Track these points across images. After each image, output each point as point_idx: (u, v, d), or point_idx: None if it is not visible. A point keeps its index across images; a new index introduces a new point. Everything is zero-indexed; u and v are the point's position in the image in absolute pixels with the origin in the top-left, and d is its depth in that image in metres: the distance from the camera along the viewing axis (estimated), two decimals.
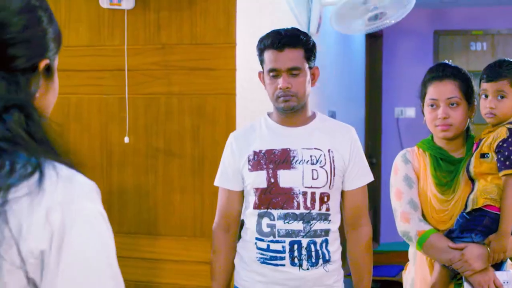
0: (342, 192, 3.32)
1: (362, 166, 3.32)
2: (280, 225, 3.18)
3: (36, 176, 1.33)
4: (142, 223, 4.30)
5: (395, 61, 9.33)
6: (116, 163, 4.34)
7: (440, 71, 3.31)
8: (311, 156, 3.21)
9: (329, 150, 3.23)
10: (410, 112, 9.07)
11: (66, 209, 1.33)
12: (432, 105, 3.29)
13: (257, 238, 3.25)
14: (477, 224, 3.13)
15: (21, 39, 1.43)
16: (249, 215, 3.30)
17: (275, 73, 3.19)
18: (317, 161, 3.21)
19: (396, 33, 9.07)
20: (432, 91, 3.29)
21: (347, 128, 3.35)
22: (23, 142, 1.36)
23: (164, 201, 4.26)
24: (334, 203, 3.25)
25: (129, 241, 4.30)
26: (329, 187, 3.20)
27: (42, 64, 1.48)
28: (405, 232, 3.28)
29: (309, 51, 3.22)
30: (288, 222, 3.18)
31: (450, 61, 3.43)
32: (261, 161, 3.23)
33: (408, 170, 3.36)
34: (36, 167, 1.34)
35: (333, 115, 6.47)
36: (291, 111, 3.22)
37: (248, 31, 4.25)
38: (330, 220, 3.22)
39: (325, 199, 3.20)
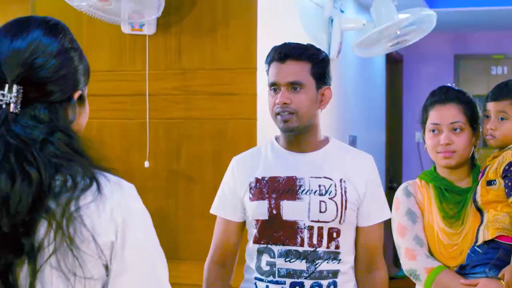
0: (356, 229, 2.93)
1: (380, 200, 2.95)
2: (280, 263, 2.80)
3: (94, 185, 1.66)
4: (163, 247, 4.25)
5: (415, 85, 9.32)
6: (137, 188, 4.31)
7: (443, 94, 3.10)
8: (319, 186, 2.82)
9: (341, 180, 2.84)
10: None
11: (124, 208, 1.70)
12: (433, 130, 3.07)
13: (256, 278, 2.88)
14: (491, 257, 2.87)
15: (57, 77, 1.71)
16: (249, 250, 2.94)
17: (275, 87, 2.86)
18: (326, 192, 2.81)
19: (417, 58, 9.07)
20: (434, 115, 3.08)
21: (364, 156, 2.99)
22: (73, 157, 1.68)
23: (185, 225, 4.26)
24: (346, 241, 2.86)
25: None
26: (340, 221, 2.81)
27: (76, 95, 1.77)
28: (412, 270, 3.00)
29: (318, 66, 2.85)
30: (289, 261, 2.79)
31: (454, 84, 3.27)
32: (263, 190, 2.85)
33: (411, 204, 3.09)
34: (92, 178, 1.66)
35: (354, 140, 6.46)
36: (293, 133, 2.85)
37: None
38: (340, 260, 2.83)
39: (335, 235, 2.81)
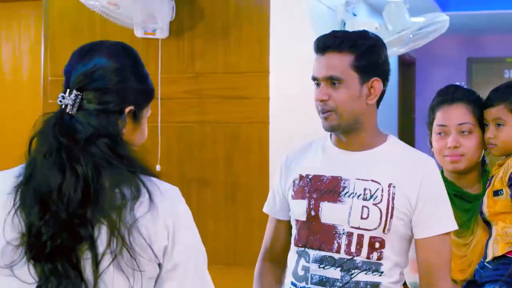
0: (415, 242, 2.58)
1: (440, 209, 2.55)
2: (314, 269, 2.55)
3: (146, 194, 1.87)
4: None
5: (428, 88, 9.29)
6: None
7: (450, 94, 2.86)
8: (364, 190, 2.53)
9: (389, 185, 2.52)
10: None
11: (174, 215, 1.93)
12: (440, 133, 2.85)
13: (291, 283, 2.65)
14: (501, 273, 2.63)
15: (112, 90, 1.94)
16: (291, 253, 2.70)
17: (316, 81, 2.58)
18: (370, 197, 2.52)
19: (429, 61, 9.06)
20: (441, 116, 2.85)
21: (422, 159, 2.60)
22: (115, 161, 1.88)
23: (198, 229, 4.25)
24: (392, 253, 2.53)
25: None
26: (384, 230, 2.50)
27: (127, 109, 1.96)
28: (416, 284, 2.73)
29: (363, 58, 2.53)
30: (323, 267, 2.54)
31: (463, 83, 3.03)
32: (305, 188, 2.61)
33: None
34: (139, 186, 1.87)
35: None
36: (336, 131, 2.59)
37: (281, 59, 4.26)
38: (382, 273, 2.52)
39: (377, 245, 2.51)
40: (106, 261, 1.81)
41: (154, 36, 4.20)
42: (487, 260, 2.69)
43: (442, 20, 5.06)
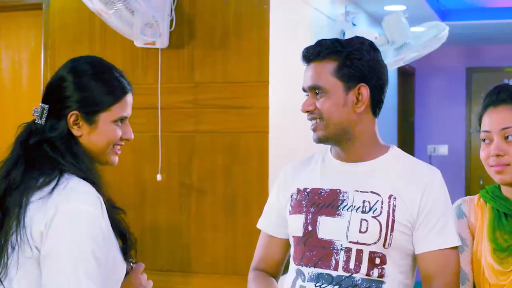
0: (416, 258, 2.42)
1: (440, 223, 2.37)
2: None
3: (51, 185, 2.07)
4: (175, 260, 4.30)
5: (427, 98, 9.31)
6: (149, 201, 4.35)
7: (495, 95, 2.47)
8: (363, 202, 2.38)
9: (390, 197, 2.37)
10: (443, 149, 9.02)
11: (59, 207, 2.04)
12: (484, 140, 2.47)
13: None
14: None
15: (55, 99, 2.19)
16: (289, 272, 2.53)
17: (305, 93, 2.50)
18: (370, 209, 2.37)
19: (428, 70, 9.07)
20: (486, 121, 2.46)
21: (425, 171, 2.45)
22: (48, 159, 2.14)
23: (197, 238, 4.26)
24: (395, 269, 2.36)
25: (162, 279, 4.29)
26: (384, 245, 2.34)
27: (69, 115, 2.17)
28: None
29: (347, 64, 2.40)
30: (320, 286, 2.37)
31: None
32: (303, 202, 2.47)
33: (461, 227, 2.51)
34: (51, 180, 2.08)
35: None
36: (326, 143, 2.48)
37: (281, 69, 4.26)
38: None
39: (377, 261, 2.34)
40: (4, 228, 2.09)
41: (154, 46, 4.21)
42: None
43: (440, 36, 5.07)
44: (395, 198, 2.37)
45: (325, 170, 2.52)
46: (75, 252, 2.02)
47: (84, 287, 1.99)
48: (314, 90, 2.43)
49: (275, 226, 2.62)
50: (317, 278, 2.37)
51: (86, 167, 2.18)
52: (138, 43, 4.21)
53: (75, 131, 2.18)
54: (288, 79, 4.39)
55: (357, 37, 2.51)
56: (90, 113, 2.19)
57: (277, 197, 2.61)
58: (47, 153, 2.15)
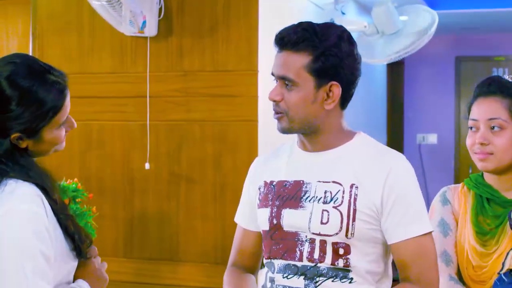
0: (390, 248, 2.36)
1: (409, 211, 2.30)
2: (278, 279, 2.37)
3: None
4: (164, 249, 4.30)
5: (416, 87, 9.32)
6: (138, 189, 4.35)
7: (485, 86, 2.56)
8: (325, 192, 2.32)
9: (352, 186, 2.31)
10: (432, 138, 9.03)
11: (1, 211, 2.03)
12: (471, 128, 2.57)
13: None
14: None
15: None
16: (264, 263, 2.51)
17: (274, 78, 2.40)
18: (331, 199, 2.30)
19: (418, 60, 9.07)
20: (475, 110, 2.56)
21: (388, 156, 2.37)
22: None
23: (186, 227, 4.26)
24: (361, 259, 2.31)
25: (151, 267, 4.30)
26: (346, 235, 2.28)
27: (13, 136, 2.13)
28: None
29: (321, 60, 2.29)
30: (287, 277, 2.35)
31: (506, 75, 2.73)
32: (269, 196, 2.42)
33: (446, 213, 2.63)
34: None
35: None
36: (287, 133, 2.40)
37: (270, 58, 4.24)
38: (352, 279, 2.31)
39: (341, 251, 2.29)
40: None
41: (143, 34, 4.20)
42: (503, 271, 2.46)
43: (427, 34, 5.06)
44: (356, 187, 2.30)
45: (291, 161, 2.45)
46: (19, 251, 2.01)
47: (31, 284, 1.98)
48: (283, 80, 2.33)
49: (248, 219, 2.56)
50: (285, 269, 2.36)
51: (35, 173, 2.14)
52: (127, 32, 4.20)
53: (21, 145, 2.16)
54: None
55: (335, 28, 2.37)
56: (33, 132, 2.15)
57: (247, 190, 2.57)
58: None
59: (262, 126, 4.14)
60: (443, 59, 9.33)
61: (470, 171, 8.70)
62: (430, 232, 2.32)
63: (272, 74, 2.39)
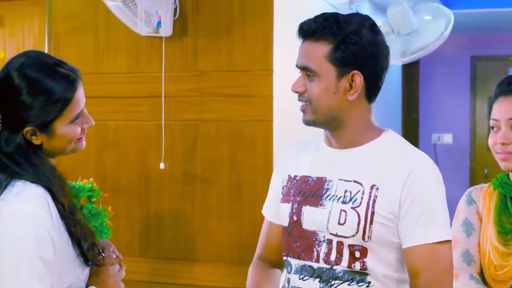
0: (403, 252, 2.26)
1: (426, 215, 2.20)
2: (294, 280, 2.32)
3: (0, 191, 2.08)
4: (180, 249, 4.30)
5: (432, 87, 9.29)
6: (154, 189, 4.35)
7: (506, 85, 2.55)
8: (345, 192, 2.26)
9: (372, 186, 2.22)
10: (448, 138, 9.00)
11: (2, 209, 2.04)
12: (493, 127, 2.55)
13: None
14: None
15: (7, 109, 2.15)
16: None
17: (298, 70, 2.35)
18: (350, 200, 2.24)
19: (433, 60, 9.04)
20: (496, 109, 2.54)
21: (410, 156, 2.28)
22: (5, 168, 2.13)
23: (202, 227, 4.26)
24: (379, 263, 2.24)
25: (166, 267, 4.30)
26: (363, 238, 2.21)
27: (25, 130, 2.14)
28: None
29: (342, 48, 2.23)
30: (302, 278, 2.30)
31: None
32: (291, 191, 2.37)
33: (470, 213, 2.60)
34: (2, 186, 2.08)
35: None
36: (315, 126, 2.35)
37: (285, 58, 4.25)
38: (369, 283, 2.23)
39: (357, 254, 2.22)
40: None
41: (158, 34, 4.20)
42: None
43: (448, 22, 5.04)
44: (377, 188, 2.22)
45: (316, 156, 2.39)
46: (18, 253, 2.02)
47: (25, 287, 1.99)
48: (305, 71, 2.28)
49: (274, 212, 2.50)
50: (301, 270, 2.30)
51: (44, 174, 2.14)
52: (142, 32, 4.21)
53: (35, 141, 2.17)
54: (292, 67, 4.35)
55: (357, 16, 2.31)
56: (45, 125, 2.15)
57: (274, 182, 2.52)
58: (3, 162, 2.14)
59: (277, 125, 4.14)
60: (458, 58, 9.30)
61: (486, 171, 8.67)
62: (448, 241, 2.21)
63: (296, 65, 2.33)
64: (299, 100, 2.31)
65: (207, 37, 4.24)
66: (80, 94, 2.21)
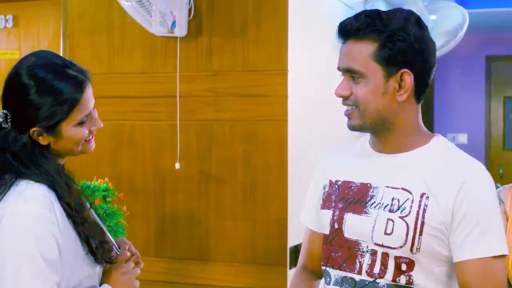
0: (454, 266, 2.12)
1: (479, 228, 2.06)
2: None
3: (4, 190, 2.09)
4: (194, 248, 4.31)
5: (447, 86, 9.27)
6: (168, 189, 4.36)
7: None
8: (392, 199, 2.12)
9: (422, 195, 2.09)
10: (463, 138, 8.98)
11: (5, 209, 2.05)
12: None
13: None
14: None
15: (16, 109, 2.15)
16: None
17: (340, 73, 2.21)
18: (398, 208, 2.09)
19: (448, 59, 9.01)
20: None
21: (464, 164, 2.15)
22: (11, 167, 2.13)
23: (216, 227, 4.26)
24: (427, 278, 2.11)
25: (181, 267, 4.31)
26: (411, 249, 2.07)
27: (32, 131, 2.14)
28: None
29: (389, 46, 2.09)
30: None
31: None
32: (332, 196, 2.24)
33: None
34: (6, 186, 2.09)
35: None
36: (362, 131, 2.22)
37: (300, 58, 4.25)
38: None
39: (404, 267, 2.08)
40: None
41: (173, 34, 4.21)
42: None
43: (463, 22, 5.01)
44: (427, 197, 2.08)
45: (360, 161, 2.26)
46: (18, 252, 2.02)
47: (26, 286, 2.00)
48: (350, 73, 2.14)
49: (313, 220, 2.37)
50: (341, 282, 2.18)
51: (49, 174, 2.14)
52: (157, 32, 4.21)
53: (41, 141, 2.17)
54: (307, 67, 4.38)
55: (401, 11, 2.17)
56: (51, 126, 2.16)
57: (312, 188, 2.38)
58: (9, 161, 2.14)
59: (291, 125, 4.13)
60: (473, 58, 9.28)
61: (501, 171, 8.65)
62: (502, 256, 2.09)
63: (338, 68, 2.19)
64: (344, 104, 2.18)
65: (222, 37, 4.24)
66: (88, 96, 2.20)
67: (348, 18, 2.15)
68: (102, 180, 3.72)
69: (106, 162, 4.45)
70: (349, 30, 2.13)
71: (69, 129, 2.18)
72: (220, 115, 4.25)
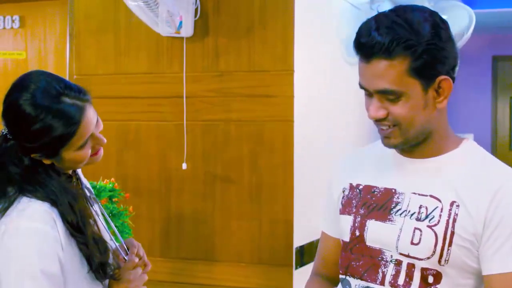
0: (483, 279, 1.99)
1: (510, 239, 1.92)
2: None
3: (5, 207, 2.08)
4: (200, 249, 4.31)
5: (453, 87, 9.26)
6: (174, 189, 4.36)
7: None
8: (420, 207, 2.00)
9: (452, 203, 1.97)
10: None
11: (7, 225, 2.05)
12: None
13: None
14: None
15: (17, 134, 2.13)
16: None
17: (366, 91, 2.03)
18: (426, 217, 1.98)
19: None
20: None
21: (497, 171, 2.03)
22: (15, 182, 2.13)
23: (222, 227, 4.26)
24: None
25: (187, 267, 4.31)
26: (439, 261, 1.95)
27: (33, 156, 2.14)
28: None
29: (423, 57, 1.92)
30: None
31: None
32: (353, 201, 2.14)
33: None
34: (9, 202, 2.09)
35: None
36: (398, 148, 2.09)
37: (306, 58, 4.25)
38: None
39: (430, 279, 1.97)
40: None
41: (179, 34, 4.21)
42: None
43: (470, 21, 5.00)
44: (458, 205, 1.96)
45: (383, 164, 2.14)
46: (20, 269, 2.01)
47: None
48: (385, 94, 1.97)
49: (330, 224, 2.27)
50: None
51: (52, 192, 2.13)
52: (163, 32, 4.21)
53: (44, 161, 2.17)
54: (313, 68, 4.37)
55: (422, 12, 1.98)
56: (52, 154, 2.15)
57: (330, 190, 2.27)
58: (13, 176, 2.14)
59: (298, 126, 4.13)
60: (479, 58, 9.26)
61: None
62: None
63: (363, 87, 2.02)
64: (382, 124, 2.02)
65: (228, 37, 4.24)
66: (88, 119, 2.15)
67: (367, 33, 1.95)
68: (108, 181, 3.72)
69: (112, 162, 4.46)
70: (376, 48, 1.93)
71: (71, 154, 2.17)
72: (226, 116, 4.24)
